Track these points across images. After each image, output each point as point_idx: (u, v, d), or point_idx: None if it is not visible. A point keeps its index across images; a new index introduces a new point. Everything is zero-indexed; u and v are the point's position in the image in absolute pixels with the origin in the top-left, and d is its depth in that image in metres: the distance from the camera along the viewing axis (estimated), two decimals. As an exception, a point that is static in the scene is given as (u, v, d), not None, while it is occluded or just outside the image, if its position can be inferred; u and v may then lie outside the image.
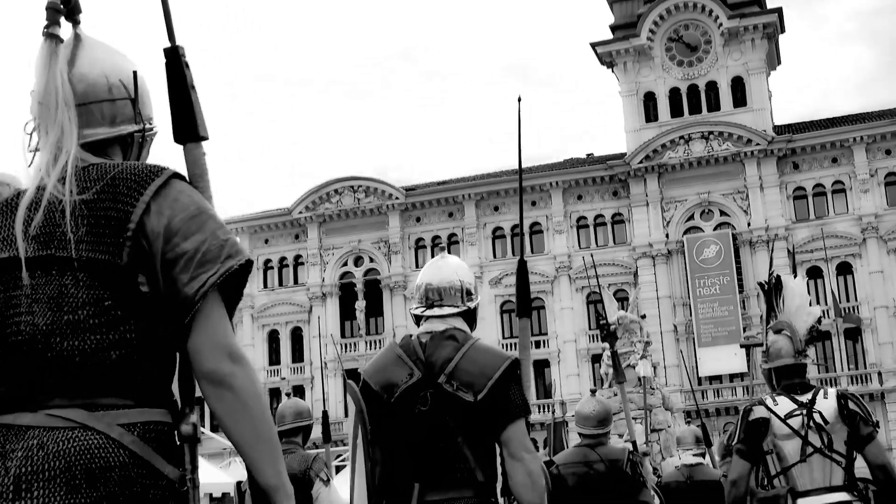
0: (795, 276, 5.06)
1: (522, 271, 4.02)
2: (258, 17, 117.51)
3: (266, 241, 52.05)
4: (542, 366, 47.23)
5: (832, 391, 4.35)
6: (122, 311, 1.53)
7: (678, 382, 43.69)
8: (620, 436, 20.08)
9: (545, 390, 45.17)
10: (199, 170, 1.84)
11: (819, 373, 43.02)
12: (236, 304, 1.66)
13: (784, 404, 4.31)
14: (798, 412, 4.25)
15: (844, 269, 45.17)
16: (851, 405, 4.26)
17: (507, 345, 47.51)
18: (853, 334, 43.98)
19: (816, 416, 4.21)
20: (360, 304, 49.77)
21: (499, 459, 2.96)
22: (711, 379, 44.40)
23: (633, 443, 6.36)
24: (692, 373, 43.64)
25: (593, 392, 5.84)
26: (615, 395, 21.49)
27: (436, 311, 3.07)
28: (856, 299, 44.65)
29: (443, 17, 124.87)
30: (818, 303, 43.84)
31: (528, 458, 2.80)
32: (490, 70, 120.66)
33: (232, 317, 1.64)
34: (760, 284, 4.94)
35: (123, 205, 1.55)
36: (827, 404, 4.24)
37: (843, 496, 4.13)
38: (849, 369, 43.92)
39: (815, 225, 44.97)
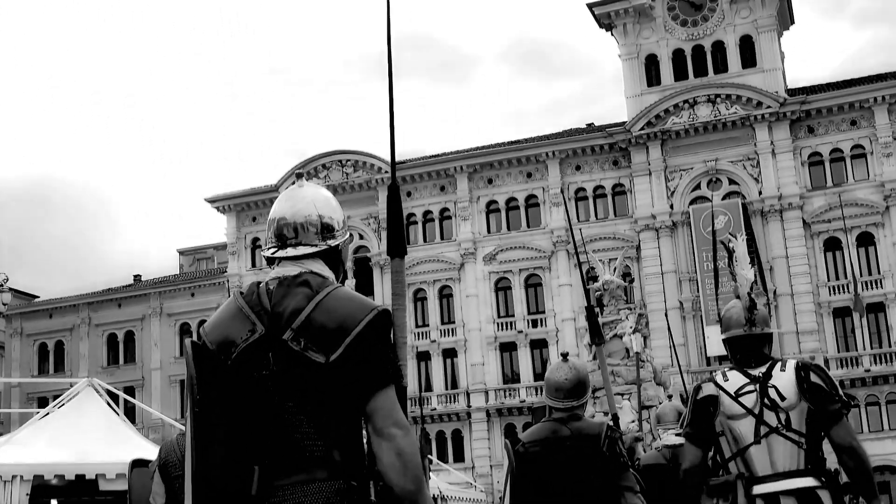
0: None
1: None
2: (253, 17, 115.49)
3: (254, 220, 51.09)
4: (539, 345, 46.14)
5: (791, 362, 4.10)
6: None
7: (685, 363, 41.75)
8: (606, 413, 20.07)
9: (543, 371, 42.52)
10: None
11: (839, 352, 42.63)
12: None
13: (735, 379, 4.10)
14: (751, 388, 4.04)
15: (865, 240, 43.17)
16: (814, 377, 3.99)
17: (502, 324, 46.35)
18: (875, 310, 42.00)
19: (771, 392, 3.98)
20: (350, 283, 47.35)
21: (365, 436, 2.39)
22: (721, 359, 40.98)
23: (614, 416, 5.85)
24: (700, 353, 43.42)
25: (565, 357, 4.68)
26: (599, 369, 20.44)
27: (289, 252, 2.47)
28: (878, 272, 42.64)
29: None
30: (837, 277, 42.52)
31: (399, 434, 2.22)
32: (481, 40, 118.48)
33: None
34: (723, 244, 4.76)
35: None
36: (784, 378, 4.01)
37: (807, 481, 3.86)
38: (871, 348, 41.93)
39: (832, 193, 43.23)
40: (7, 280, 19.82)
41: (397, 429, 2.24)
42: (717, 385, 4.12)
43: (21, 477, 11.83)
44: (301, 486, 2.23)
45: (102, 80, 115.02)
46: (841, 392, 4.03)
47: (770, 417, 3.93)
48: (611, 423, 4.62)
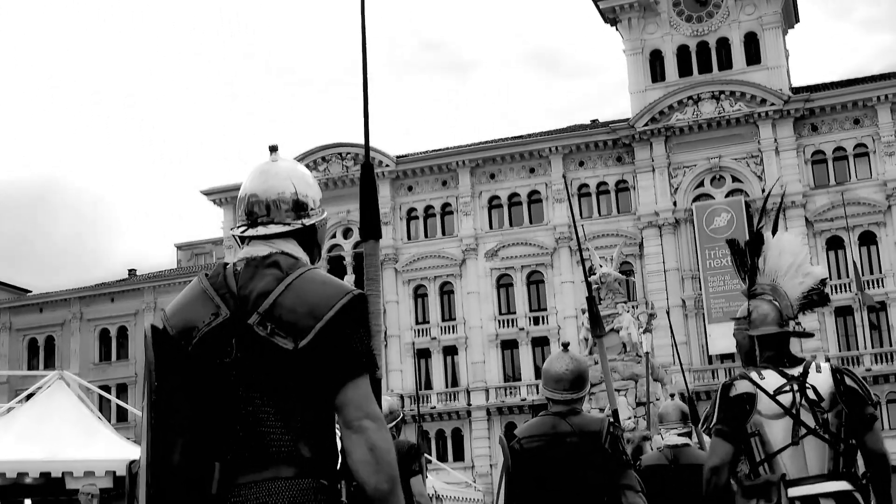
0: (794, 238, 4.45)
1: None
2: (253, 17, 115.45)
3: None
4: (541, 343, 45.75)
5: (825, 365, 3.95)
6: None
7: (687, 361, 42.10)
8: (602, 410, 19.74)
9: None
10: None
11: (840, 350, 42.25)
12: None
13: (772, 378, 3.89)
14: (788, 388, 3.85)
15: (867, 239, 43.21)
16: (849, 381, 3.84)
17: (503, 321, 46.09)
18: (877, 309, 42.08)
19: (810, 392, 3.82)
20: (349, 278, 47.75)
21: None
22: (723, 357, 42.13)
23: (614, 412, 5.28)
24: (702, 351, 43.58)
25: (566, 347, 4.47)
26: (595, 363, 20.29)
27: (259, 231, 2.24)
28: (880, 271, 42.78)
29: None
30: (839, 276, 42.41)
31: (373, 427, 2.01)
32: (486, 37, 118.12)
33: None
34: (730, 243, 4.36)
35: None
36: (821, 379, 3.84)
37: (843, 485, 3.72)
38: (872, 347, 42.00)
39: (835, 191, 43.31)
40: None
41: (370, 422, 2.05)
42: (752, 382, 3.97)
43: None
44: (266, 484, 2.04)
45: (102, 79, 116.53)
46: (873, 396, 3.96)
47: (807, 418, 3.83)
48: (612, 419, 4.40)
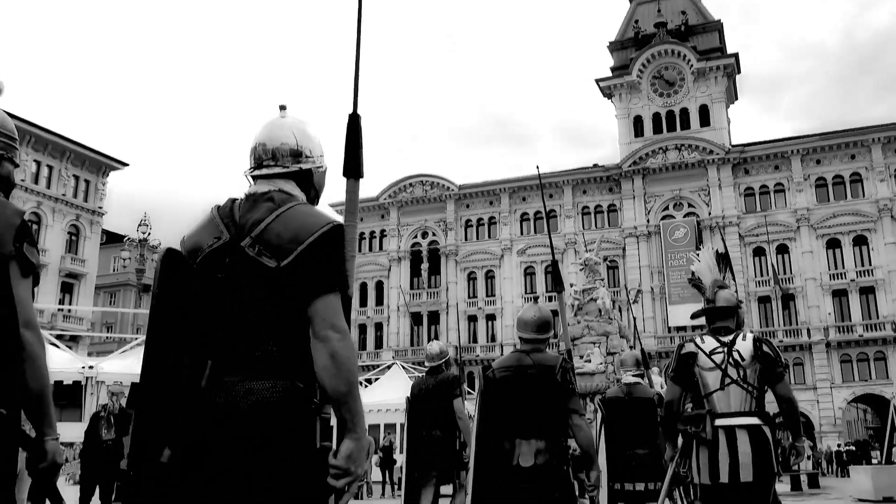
0: (719, 254, 4.65)
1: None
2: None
3: (361, 219, 52.04)
4: (554, 314, 46.28)
5: (750, 335, 3.94)
6: None
7: (653, 330, 43.40)
8: (581, 357, 19.68)
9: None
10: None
11: (760, 327, 42.24)
12: None
13: (709, 342, 3.93)
14: (720, 349, 3.88)
15: (782, 250, 43.76)
16: (765, 348, 3.86)
17: (528, 299, 46.18)
18: (788, 299, 42.53)
19: (735, 354, 3.84)
20: (424, 266, 49.62)
21: None
22: (679, 328, 42.74)
23: (568, 351, 5.21)
24: (664, 323, 44.20)
25: (535, 299, 4.42)
26: (579, 322, 21.10)
27: (263, 171, 2.01)
28: (791, 272, 43.19)
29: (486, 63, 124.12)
30: (762, 275, 44.04)
31: (335, 337, 1.74)
32: (517, 105, 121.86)
33: None
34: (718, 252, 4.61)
35: None
36: (745, 345, 3.87)
37: (754, 420, 3.76)
38: (784, 325, 42.46)
39: (760, 215, 43.84)
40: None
41: (334, 332, 1.74)
42: (696, 345, 3.96)
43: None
44: (247, 382, 1.73)
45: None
46: (783, 359, 3.91)
47: (732, 372, 3.80)
48: (565, 356, 4.03)
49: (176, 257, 1.92)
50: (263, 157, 2.01)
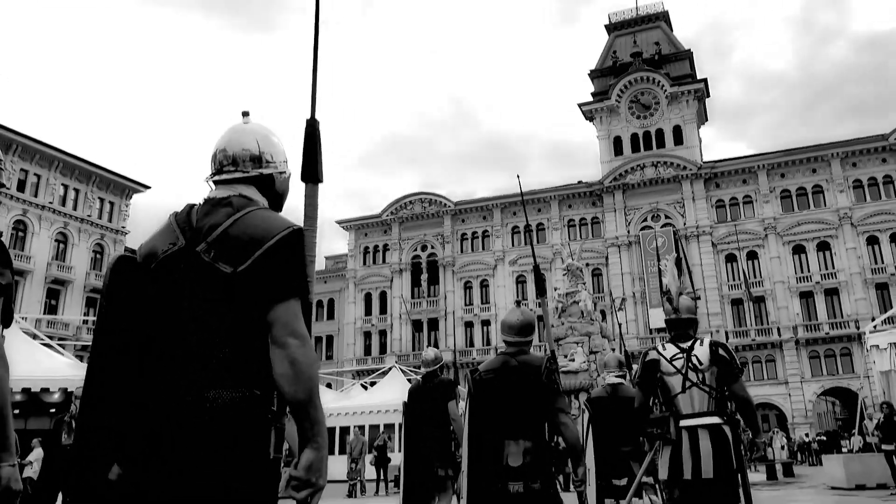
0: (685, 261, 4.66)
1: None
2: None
3: (365, 234, 52.12)
4: (540, 319, 45.31)
5: (707, 340, 3.93)
6: None
7: (636, 332, 43.12)
8: (565, 356, 19.27)
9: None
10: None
11: (734, 327, 42.24)
12: None
13: (670, 349, 3.93)
14: (680, 356, 3.88)
15: (752, 256, 43.55)
16: (721, 351, 3.84)
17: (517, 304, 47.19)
18: (759, 301, 42.12)
19: (694, 359, 3.83)
20: (424, 277, 49.58)
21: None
22: (659, 330, 42.34)
23: (552, 352, 4.66)
24: (646, 326, 43.80)
25: (518, 304, 4.13)
26: (563, 324, 20.59)
27: (224, 177, 1.81)
28: (760, 276, 43.02)
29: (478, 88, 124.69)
30: (734, 279, 43.97)
31: (294, 343, 1.55)
32: (506, 125, 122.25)
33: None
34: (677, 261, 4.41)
35: None
36: (702, 350, 3.85)
37: (714, 419, 3.73)
38: (756, 325, 42.20)
39: (730, 225, 43.65)
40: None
41: (293, 339, 1.55)
42: (658, 352, 3.93)
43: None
44: (202, 390, 1.52)
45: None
46: (738, 361, 3.87)
47: (692, 376, 3.76)
48: (550, 358, 3.66)
49: (130, 264, 1.72)
50: (224, 163, 1.83)
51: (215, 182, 1.81)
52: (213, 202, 1.74)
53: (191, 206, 1.77)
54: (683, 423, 3.72)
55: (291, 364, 1.54)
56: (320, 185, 2.07)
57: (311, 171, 2.08)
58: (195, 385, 1.54)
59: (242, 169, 1.81)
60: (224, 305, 1.58)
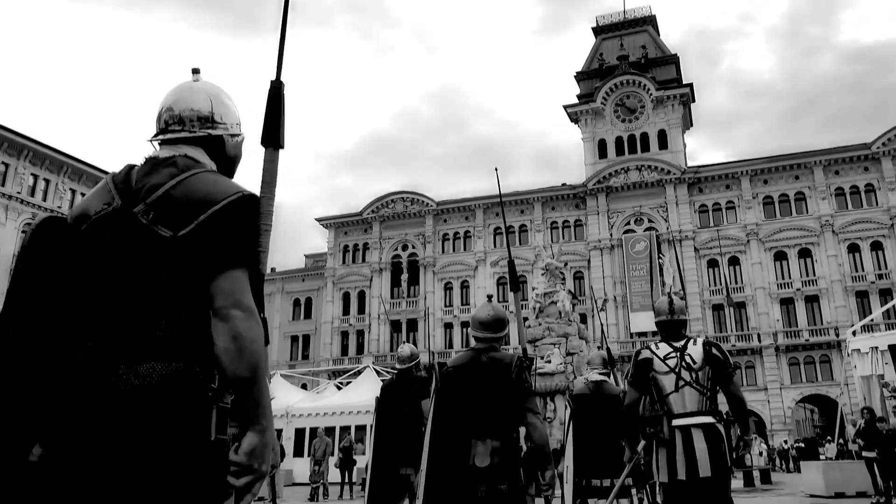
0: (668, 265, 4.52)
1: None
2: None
3: (346, 233, 51.46)
4: (525, 320, 45.95)
5: (700, 340, 3.95)
6: None
7: (616, 335, 43.02)
8: (542, 357, 19.00)
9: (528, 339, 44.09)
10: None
11: (714, 332, 42.19)
12: None
13: (663, 349, 3.96)
14: (673, 355, 3.90)
15: (734, 262, 43.64)
16: (714, 351, 3.87)
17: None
18: (739, 307, 42.22)
19: (687, 358, 3.86)
20: (404, 277, 49.23)
21: None
22: (640, 334, 42.80)
23: (524, 350, 4.68)
24: (626, 329, 43.83)
25: (489, 298, 3.97)
26: (540, 325, 20.39)
27: (168, 136, 1.64)
28: (742, 282, 43.01)
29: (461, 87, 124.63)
30: (715, 285, 44.28)
31: (239, 316, 1.39)
32: (492, 126, 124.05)
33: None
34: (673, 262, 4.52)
35: None
36: (696, 350, 3.89)
37: (707, 419, 3.76)
38: (736, 331, 42.23)
39: (713, 230, 43.81)
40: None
41: (238, 310, 1.39)
42: (651, 351, 3.94)
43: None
44: (133, 365, 1.36)
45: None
46: (731, 361, 3.90)
47: (685, 375, 3.78)
48: (521, 356, 3.63)
49: (57, 225, 1.54)
50: (170, 122, 1.67)
51: (161, 143, 1.66)
52: (154, 161, 1.59)
53: (131, 167, 1.60)
54: (676, 422, 3.72)
55: (234, 338, 1.40)
56: (281, 151, 1.88)
57: (273, 136, 1.87)
58: (126, 357, 1.39)
59: (189, 129, 1.66)
60: (162, 272, 1.43)
